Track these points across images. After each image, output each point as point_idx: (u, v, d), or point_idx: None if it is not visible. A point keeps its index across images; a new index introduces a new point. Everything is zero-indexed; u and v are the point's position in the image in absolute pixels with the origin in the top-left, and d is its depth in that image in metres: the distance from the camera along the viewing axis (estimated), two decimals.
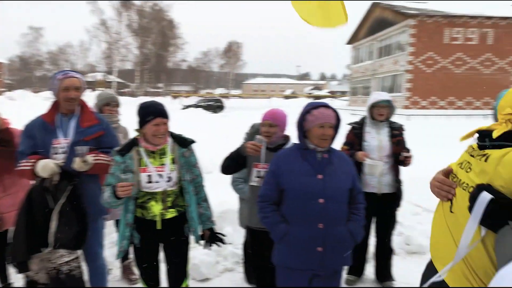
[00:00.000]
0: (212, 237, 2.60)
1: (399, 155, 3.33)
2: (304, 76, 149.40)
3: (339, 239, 2.16)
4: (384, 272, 3.56)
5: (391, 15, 29.47)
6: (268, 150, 2.69)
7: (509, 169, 1.24)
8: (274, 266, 2.34)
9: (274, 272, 2.35)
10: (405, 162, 3.32)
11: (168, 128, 2.40)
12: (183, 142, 2.50)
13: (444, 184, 1.49)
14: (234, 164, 2.79)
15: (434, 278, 1.44)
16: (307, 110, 2.22)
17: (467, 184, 1.39)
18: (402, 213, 4.13)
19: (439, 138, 12.49)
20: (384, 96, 3.41)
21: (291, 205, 2.20)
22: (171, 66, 65.39)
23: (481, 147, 1.41)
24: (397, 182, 3.43)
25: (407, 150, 3.37)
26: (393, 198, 3.44)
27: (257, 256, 2.78)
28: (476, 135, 1.46)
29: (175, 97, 49.61)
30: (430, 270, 1.59)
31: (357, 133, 3.46)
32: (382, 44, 31.41)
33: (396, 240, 4.07)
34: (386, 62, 30.42)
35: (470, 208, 1.30)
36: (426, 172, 5.63)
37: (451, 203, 1.48)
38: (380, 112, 3.38)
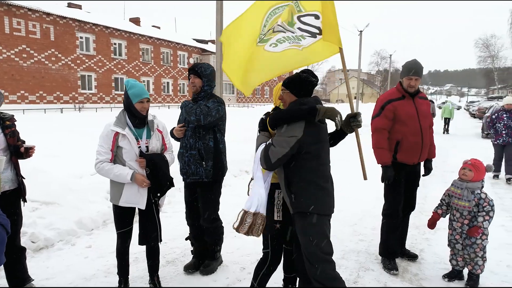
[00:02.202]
0: None
1: (17, 147, 3.14)
2: None
3: None
4: (21, 275, 3.28)
5: None
6: None
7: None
8: None
9: None
10: (29, 153, 3.18)
11: None
12: None
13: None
14: None
15: None
16: None
17: None
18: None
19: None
20: None
21: None
22: None
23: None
24: (19, 176, 3.22)
25: (23, 142, 3.24)
26: (18, 194, 3.21)
27: None
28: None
29: None
30: None
31: None
32: None
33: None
34: None
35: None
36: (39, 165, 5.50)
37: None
38: None
